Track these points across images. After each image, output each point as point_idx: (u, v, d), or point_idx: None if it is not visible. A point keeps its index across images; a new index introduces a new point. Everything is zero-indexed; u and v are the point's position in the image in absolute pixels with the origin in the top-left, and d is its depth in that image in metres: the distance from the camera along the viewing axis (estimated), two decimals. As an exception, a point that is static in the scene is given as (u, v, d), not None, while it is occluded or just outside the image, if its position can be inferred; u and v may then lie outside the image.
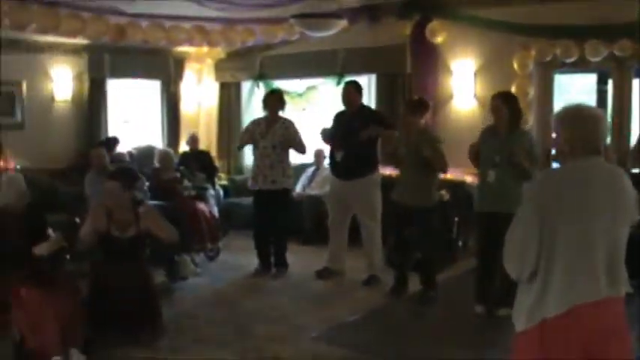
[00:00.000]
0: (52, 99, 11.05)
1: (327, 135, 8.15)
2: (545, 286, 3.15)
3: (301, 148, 8.40)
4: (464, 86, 9.91)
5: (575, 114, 3.31)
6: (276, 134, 8.24)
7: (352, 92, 8.05)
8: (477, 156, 6.77)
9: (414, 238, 7.39)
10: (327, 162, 9.09)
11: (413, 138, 7.26)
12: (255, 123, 8.53)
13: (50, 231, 5.70)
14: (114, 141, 10.55)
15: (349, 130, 7.81)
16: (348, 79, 10.34)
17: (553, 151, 3.61)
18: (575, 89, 10.14)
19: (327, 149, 8.64)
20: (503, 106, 6.59)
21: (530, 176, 6.10)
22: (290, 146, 8.30)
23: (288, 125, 8.34)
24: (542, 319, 3.14)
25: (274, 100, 8.45)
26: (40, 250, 5.64)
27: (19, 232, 5.73)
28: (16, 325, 5.46)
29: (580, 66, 9.00)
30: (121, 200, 6.27)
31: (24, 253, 5.61)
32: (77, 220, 7.68)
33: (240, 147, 8.91)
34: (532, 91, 9.23)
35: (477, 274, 6.94)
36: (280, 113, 8.41)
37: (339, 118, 8.19)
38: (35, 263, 5.64)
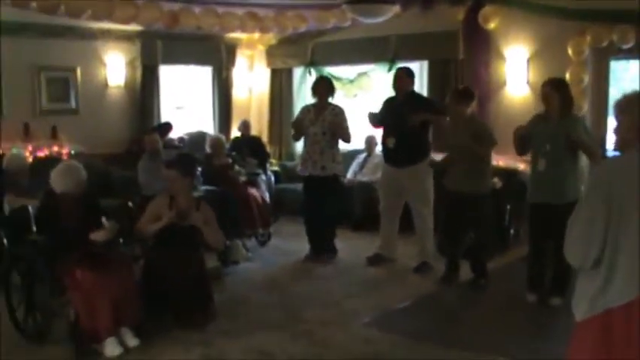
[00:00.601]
0: (106, 85, 11.15)
1: (375, 119, 8.12)
2: (610, 275, 3.08)
3: (347, 137, 8.37)
4: (517, 73, 9.80)
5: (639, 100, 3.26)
6: (326, 121, 8.23)
7: (404, 78, 8.01)
8: (521, 141, 6.70)
9: (466, 226, 7.35)
10: (378, 149, 9.06)
11: (460, 127, 7.22)
12: (305, 110, 8.55)
13: (104, 220, 5.76)
14: (167, 126, 10.64)
15: (400, 117, 7.77)
16: (399, 65, 10.34)
17: (610, 141, 3.57)
18: (629, 76, 9.95)
19: (378, 135, 8.61)
20: (554, 93, 6.50)
21: (596, 156, 6.04)
22: (336, 133, 8.29)
23: (338, 112, 8.33)
24: (606, 308, 3.09)
25: (323, 86, 8.44)
26: (97, 236, 5.72)
27: (75, 215, 5.81)
28: (72, 305, 5.58)
29: (637, 52, 8.78)
30: (180, 187, 6.34)
31: (80, 236, 5.68)
32: (130, 204, 7.77)
33: (296, 138, 8.88)
34: (587, 78, 9.08)
35: (529, 262, 6.89)
36: (330, 100, 8.41)
37: (388, 103, 8.16)
38: (90, 246, 5.71)
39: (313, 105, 8.48)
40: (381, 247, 8.38)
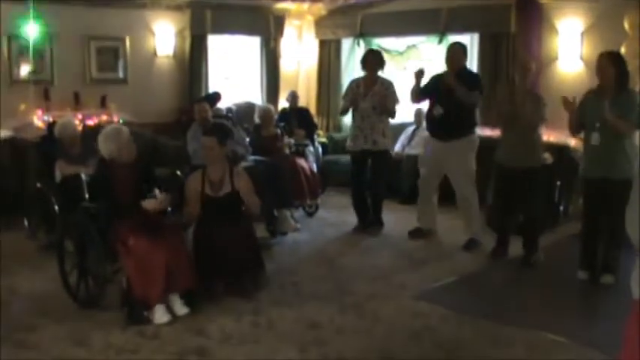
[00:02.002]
0: (155, 54, 11.17)
1: (415, 94, 8.04)
2: None
3: (391, 114, 8.31)
4: (570, 47, 9.63)
5: None
6: (376, 95, 8.18)
7: (460, 53, 7.90)
8: (575, 121, 6.59)
9: (518, 200, 7.27)
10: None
11: (519, 98, 7.12)
12: (354, 84, 8.48)
13: (157, 191, 5.79)
14: (216, 96, 10.63)
15: (450, 90, 7.67)
16: (449, 38, 10.24)
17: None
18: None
19: (425, 109, 8.52)
20: (610, 66, 6.37)
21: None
22: (382, 107, 8.22)
23: (388, 86, 8.28)
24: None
25: (373, 60, 8.37)
26: (148, 204, 5.74)
27: (129, 183, 5.85)
28: (124, 272, 5.64)
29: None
30: (217, 155, 6.35)
31: (133, 204, 5.72)
32: (179, 172, 7.82)
33: (344, 112, 8.80)
34: (643, 53, 8.89)
35: (581, 239, 6.79)
36: (380, 73, 8.34)
37: (440, 78, 8.02)
38: (143, 214, 5.75)
39: (362, 78, 8.42)
40: (420, 219, 8.35)
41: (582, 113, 6.50)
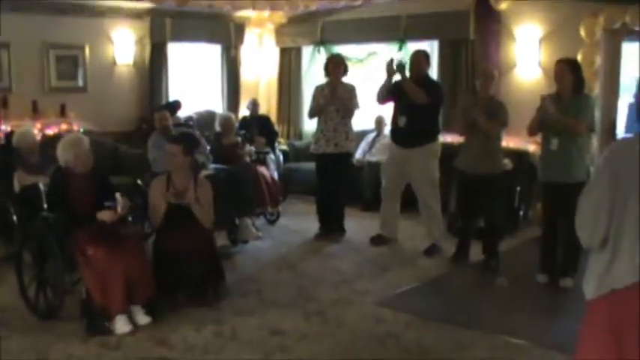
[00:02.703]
0: (114, 63, 11.11)
1: (381, 95, 8.04)
2: (614, 256, 3.06)
3: (349, 113, 8.37)
4: (528, 54, 9.72)
5: None
6: (339, 98, 8.23)
7: (423, 61, 7.95)
8: (534, 123, 6.68)
9: (478, 206, 7.34)
10: (388, 129, 9.04)
11: (479, 106, 7.18)
12: (319, 89, 8.52)
13: (118, 195, 5.74)
14: (176, 104, 10.60)
15: (411, 100, 7.72)
16: (409, 45, 10.30)
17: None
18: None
19: (387, 115, 8.56)
20: (567, 72, 6.48)
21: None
22: (345, 108, 8.27)
23: (351, 89, 8.36)
24: (611, 289, 3.08)
25: (336, 64, 8.43)
26: (103, 216, 5.68)
27: (86, 192, 5.80)
28: (84, 282, 5.58)
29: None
30: (182, 164, 6.33)
31: (92, 213, 5.67)
32: (139, 181, 7.76)
33: (312, 115, 8.72)
34: (599, 60, 9.00)
35: (541, 243, 6.88)
36: (342, 78, 8.39)
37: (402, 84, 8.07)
38: (102, 223, 5.70)
39: (326, 84, 8.47)
40: (382, 227, 8.38)
41: (541, 117, 6.59)
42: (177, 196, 6.25)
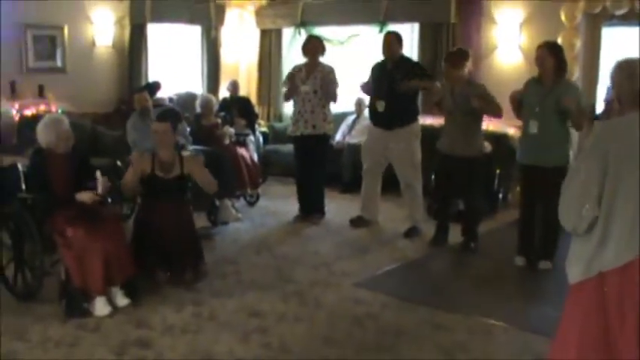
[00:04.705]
0: (93, 44, 11.02)
1: (367, 88, 8.10)
2: (603, 238, 3.07)
3: (332, 97, 8.33)
4: (509, 37, 9.76)
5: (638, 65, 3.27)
6: (317, 79, 8.21)
7: (393, 42, 7.94)
8: (519, 105, 6.69)
9: (458, 189, 7.37)
10: (367, 112, 9.05)
11: (457, 89, 7.20)
12: (296, 69, 8.48)
13: (98, 174, 5.71)
14: (156, 85, 10.50)
15: (390, 82, 7.74)
16: (390, 27, 10.27)
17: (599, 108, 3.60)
18: (620, 44, 9.89)
19: (367, 98, 8.58)
20: (549, 56, 6.49)
21: (581, 125, 6.03)
22: (325, 92, 8.26)
23: (329, 71, 8.31)
24: (599, 271, 3.09)
25: (314, 45, 8.40)
26: (82, 197, 5.65)
27: (65, 173, 5.76)
28: (63, 264, 5.56)
29: (630, 19, 8.69)
30: (170, 140, 6.37)
31: (71, 194, 5.64)
32: (119, 163, 7.74)
33: (288, 97, 8.73)
34: (579, 44, 9.04)
35: (519, 225, 6.92)
36: (320, 59, 8.37)
37: (379, 68, 8.09)
38: (81, 204, 5.67)
39: (304, 64, 8.43)
40: (363, 209, 8.39)
41: (523, 99, 6.62)
42: (163, 170, 6.28)
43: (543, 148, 6.45)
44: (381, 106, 7.88)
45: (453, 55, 7.47)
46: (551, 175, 6.16)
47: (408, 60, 8.21)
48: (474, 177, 7.29)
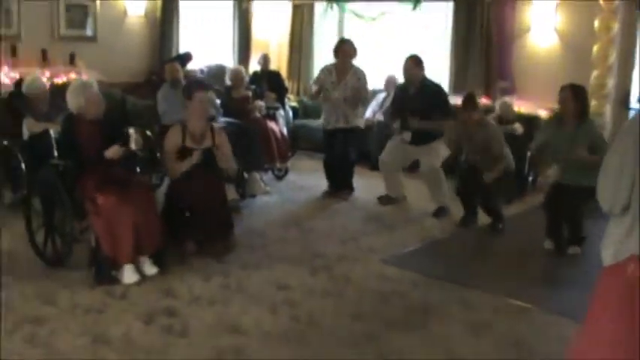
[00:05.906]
0: (125, 13, 11.03)
1: (387, 118, 8.11)
2: (634, 222, 3.05)
3: (363, 103, 8.49)
4: (544, 19, 9.61)
5: None
6: (348, 86, 8.19)
7: (412, 67, 7.83)
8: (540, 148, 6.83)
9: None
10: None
11: (471, 130, 7.29)
12: (326, 71, 8.42)
13: (131, 130, 5.70)
14: (187, 56, 10.53)
15: (412, 112, 7.75)
16: (424, 5, 10.19)
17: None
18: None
19: (398, 75, 8.52)
20: (572, 100, 6.48)
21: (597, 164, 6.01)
22: (355, 98, 8.23)
23: (360, 76, 8.27)
24: (631, 254, 3.06)
25: (345, 49, 8.32)
26: (109, 153, 5.63)
27: (97, 140, 5.75)
28: (93, 231, 5.57)
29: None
30: (207, 110, 6.44)
31: (102, 161, 5.65)
32: (148, 133, 7.74)
33: (313, 98, 8.74)
34: (616, 28, 8.89)
35: (545, 210, 6.85)
36: (352, 61, 8.34)
37: (401, 93, 8.11)
38: (112, 168, 5.68)
39: (334, 65, 8.38)
40: (387, 187, 8.39)
41: (545, 139, 6.72)
42: (194, 140, 6.30)
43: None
44: (407, 136, 7.90)
45: (465, 101, 7.43)
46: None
47: (429, 86, 7.99)
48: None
